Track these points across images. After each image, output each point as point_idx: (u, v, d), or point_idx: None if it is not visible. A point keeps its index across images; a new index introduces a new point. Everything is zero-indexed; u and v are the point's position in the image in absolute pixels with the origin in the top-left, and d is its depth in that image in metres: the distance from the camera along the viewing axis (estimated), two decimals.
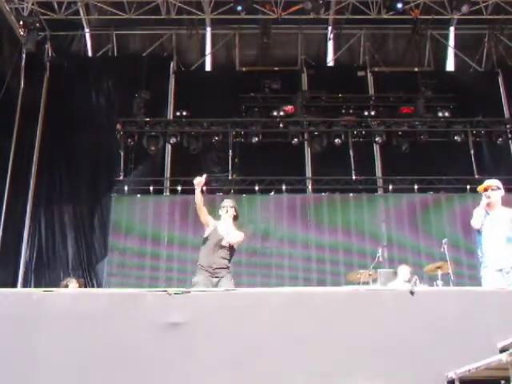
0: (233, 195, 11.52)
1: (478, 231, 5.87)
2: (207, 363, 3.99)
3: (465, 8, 11.28)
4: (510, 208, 5.91)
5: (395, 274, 8.29)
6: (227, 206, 6.02)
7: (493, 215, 5.80)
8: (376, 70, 13.54)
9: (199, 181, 5.79)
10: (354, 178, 11.88)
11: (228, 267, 5.81)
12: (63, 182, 12.25)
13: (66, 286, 7.20)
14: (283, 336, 4.09)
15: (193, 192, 5.95)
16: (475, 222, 5.85)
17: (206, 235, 5.90)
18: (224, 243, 5.80)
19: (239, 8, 11.26)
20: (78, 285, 7.56)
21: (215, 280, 5.63)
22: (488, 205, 5.82)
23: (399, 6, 11.45)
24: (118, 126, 11.90)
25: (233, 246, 5.88)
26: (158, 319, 4.10)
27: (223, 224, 5.91)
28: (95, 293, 4.76)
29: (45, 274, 11.52)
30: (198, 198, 5.81)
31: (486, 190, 5.92)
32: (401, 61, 13.66)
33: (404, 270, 8.09)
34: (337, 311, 4.20)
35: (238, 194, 11.62)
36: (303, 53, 13.65)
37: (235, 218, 6.03)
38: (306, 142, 12.49)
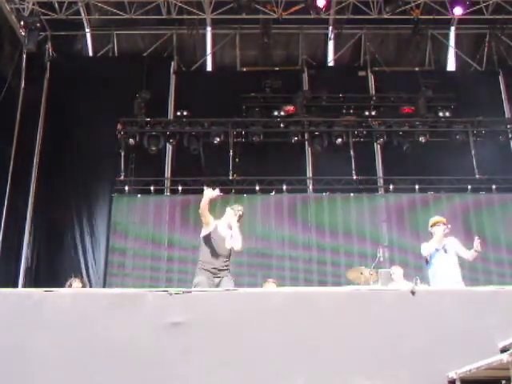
0: (233, 195, 11.53)
1: (427, 260, 6.59)
2: (207, 363, 3.98)
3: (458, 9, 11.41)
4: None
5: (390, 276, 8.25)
6: (240, 210, 5.99)
7: (445, 245, 6.51)
8: (377, 69, 13.52)
9: (211, 195, 5.72)
10: (354, 177, 11.87)
11: (228, 267, 5.81)
12: (64, 182, 12.24)
13: (70, 286, 7.22)
14: (283, 336, 4.08)
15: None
16: (429, 251, 6.51)
17: (204, 234, 5.88)
18: (226, 244, 5.79)
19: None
20: (81, 284, 7.59)
21: (217, 280, 5.62)
22: (444, 236, 6.45)
23: None
24: (119, 126, 11.90)
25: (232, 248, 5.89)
26: (159, 319, 4.10)
27: (224, 224, 5.90)
28: (95, 293, 4.76)
29: (45, 274, 11.51)
30: (205, 206, 5.74)
31: (434, 225, 6.54)
32: (401, 61, 13.66)
33: (396, 271, 8.06)
34: (337, 311, 4.19)
35: (238, 194, 11.62)
36: (304, 53, 13.64)
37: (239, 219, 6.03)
38: (306, 142, 12.49)
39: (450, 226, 6.48)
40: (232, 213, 5.96)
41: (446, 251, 6.45)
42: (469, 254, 6.54)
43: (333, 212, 11.51)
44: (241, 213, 5.97)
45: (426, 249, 6.52)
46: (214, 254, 5.73)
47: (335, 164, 12.20)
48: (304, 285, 10.46)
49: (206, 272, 5.67)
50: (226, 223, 5.94)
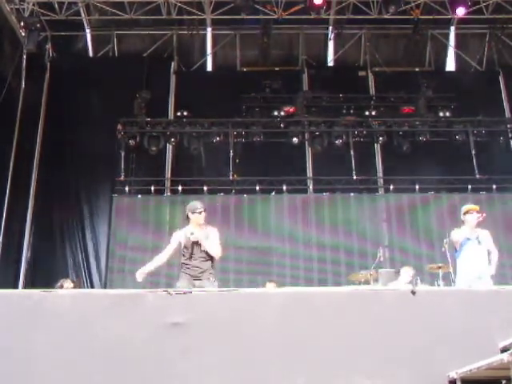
0: (234, 195, 11.54)
1: (456, 249, 6.43)
2: (207, 363, 3.98)
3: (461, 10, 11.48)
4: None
5: (397, 273, 8.28)
6: (202, 208, 5.79)
7: (478, 236, 6.32)
8: (377, 69, 13.53)
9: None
10: (354, 177, 11.86)
11: (211, 268, 5.66)
12: (64, 182, 12.24)
13: (61, 287, 7.20)
14: (283, 336, 4.08)
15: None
16: (460, 238, 6.34)
17: (174, 246, 5.76)
18: (202, 247, 5.61)
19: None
20: (72, 285, 7.59)
21: (197, 282, 5.49)
22: (477, 224, 6.27)
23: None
24: (119, 126, 11.91)
25: None
26: (159, 319, 4.09)
27: (193, 229, 5.69)
28: (95, 293, 4.76)
29: (46, 274, 11.50)
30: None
31: (467, 212, 6.34)
32: (401, 61, 13.66)
33: (407, 272, 8.07)
34: (337, 311, 4.19)
35: (238, 194, 11.63)
36: (304, 53, 13.65)
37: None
38: (306, 142, 12.49)
39: (484, 214, 6.30)
40: (198, 219, 5.73)
41: (479, 242, 6.23)
42: (496, 253, 6.35)
43: (333, 212, 11.50)
44: (197, 210, 5.73)
45: (457, 235, 6.33)
46: (193, 258, 5.59)
47: (335, 164, 12.21)
48: (304, 284, 10.46)
49: (186, 275, 5.60)
50: (193, 225, 5.73)
